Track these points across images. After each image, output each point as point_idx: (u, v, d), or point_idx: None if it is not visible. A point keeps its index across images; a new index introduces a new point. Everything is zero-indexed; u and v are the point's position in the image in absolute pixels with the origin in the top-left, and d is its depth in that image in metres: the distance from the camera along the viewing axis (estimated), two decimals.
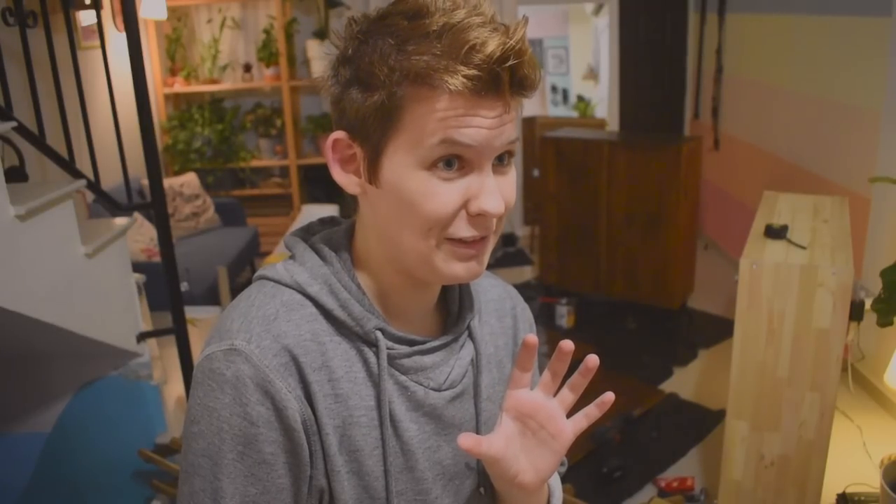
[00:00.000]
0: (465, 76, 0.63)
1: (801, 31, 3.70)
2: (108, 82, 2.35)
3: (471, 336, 0.82)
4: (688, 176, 3.98)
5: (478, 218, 0.68)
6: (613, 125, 5.44)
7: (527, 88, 0.67)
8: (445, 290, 0.82)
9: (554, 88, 7.99)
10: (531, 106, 7.53)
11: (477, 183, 0.67)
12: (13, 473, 2.40)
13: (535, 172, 4.86)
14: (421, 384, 0.76)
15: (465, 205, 0.68)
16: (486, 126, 0.65)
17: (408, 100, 0.65)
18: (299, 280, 0.73)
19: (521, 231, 5.53)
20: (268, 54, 5.10)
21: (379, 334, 0.73)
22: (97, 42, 2.39)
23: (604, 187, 4.19)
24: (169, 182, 4.42)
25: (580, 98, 7.71)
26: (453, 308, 0.82)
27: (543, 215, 4.52)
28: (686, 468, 2.79)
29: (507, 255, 5.21)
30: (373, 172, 0.69)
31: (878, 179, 2.43)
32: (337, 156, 0.72)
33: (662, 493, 2.63)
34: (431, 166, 0.66)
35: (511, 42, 0.63)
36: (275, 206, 5.45)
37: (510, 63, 0.63)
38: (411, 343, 0.75)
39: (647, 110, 5.34)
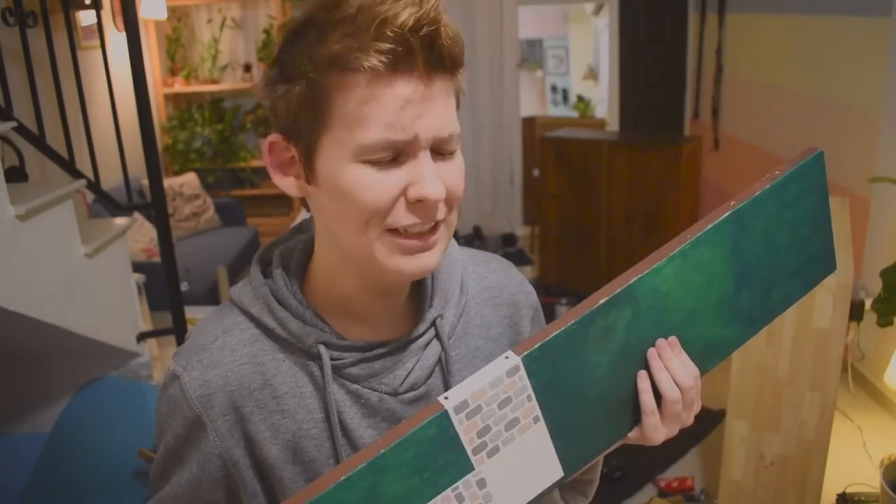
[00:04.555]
0: (377, 51, 0.60)
1: (801, 31, 3.70)
2: (108, 82, 2.35)
3: (437, 335, 0.78)
4: (688, 176, 3.98)
5: (418, 205, 0.65)
6: (613, 125, 5.44)
7: (449, 62, 0.64)
8: (418, 288, 0.79)
9: (554, 88, 7.98)
10: (531, 106, 7.53)
11: (414, 169, 0.65)
12: (13, 473, 2.39)
13: (535, 172, 4.87)
14: (374, 390, 0.74)
15: (403, 193, 0.65)
16: (408, 102, 0.63)
17: (330, 89, 0.63)
18: (244, 301, 0.75)
19: (521, 231, 5.53)
20: (268, 54, 5.09)
21: (322, 348, 0.72)
22: (97, 42, 2.40)
23: (604, 187, 4.19)
24: (169, 182, 4.42)
25: (580, 98, 7.70)
26: (423, 305, 0.78)
27: (543, 215, 4.53)
28: (686, 468, 2.78)
29: (507, 255, 5.20)
30: (309, 171, 0.68)
31: (878, 179, 2.43)
32: (276, 159, 0.70)
33: (662, 493, 2.63)
34: (365, 158, 0.64)
35: (423, 11, 0.60)
36: (275, 206, 5.45)
37: (424, 32, 0.61)
38: (362, 350, 0.74)
39: (647, 110, 5.33)
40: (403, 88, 0.62)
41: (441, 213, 0.67)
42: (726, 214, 0.69)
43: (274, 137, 0.69)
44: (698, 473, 2.74)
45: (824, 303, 2.03)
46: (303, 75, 0.64)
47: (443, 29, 0.62)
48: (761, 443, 2.19)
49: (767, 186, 0.71)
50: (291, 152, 0.69)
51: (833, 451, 2.18)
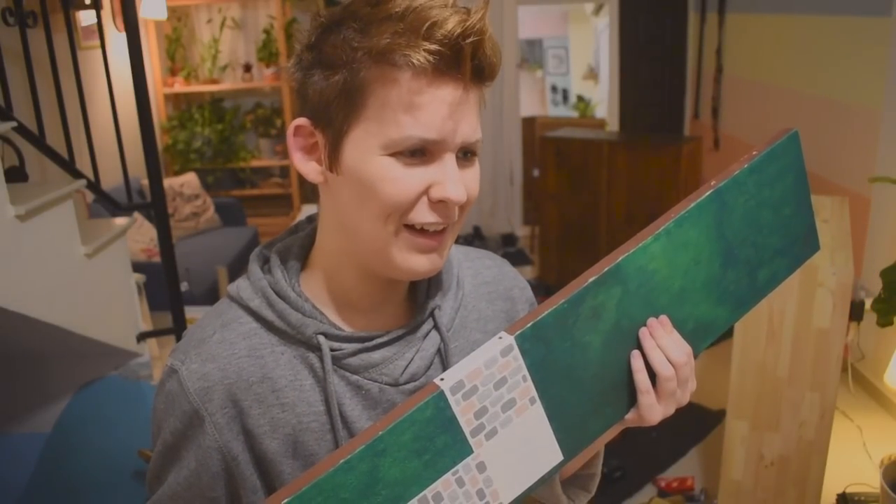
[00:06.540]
0: (426, 51, 0.62)
1: (801, 31, 3.70)
2: (108, 82, 2.35)
3: (436, 325, 0.78)
4: (688, 176, 3.98)
5: (439, 205, 0.67)
6: (613, 125, 5.44)
7: (487, 73, 0.67)
8: (416, 281, 0.80)
9: (554, 88, 7.98)
10: (531, 106, 7.52)
11: (440, 170, 0.67)
12: (13, 473, 2.39)
13: (535, 172, 4.86)
14: (375, 381, 0.74)
15: (426, 191, 0.67)
16: (447, 105, 0.65)
17: (371, 81, 0.65)
18: (243, 295, 0.75)
19: (521, 231, 5.53)
20: (268, 54, 5.10)
21: (321, 338, 0.72)
22: (97, 42, 2.40)
23: (604, 187, 4.19)
24: (169, 182, 4.42)
25: (580, 98, 7.70)
26: (421, 297, 0.79)
27: (543, 215, 4.53)
28: (686, 468, 2.79)
29: (507, 255, 5.21)
30: (334, 159, 0.69)
31: (878, 179, 2.43)
32: (300, 143, 0.71)
33: (662, 493, 2.63)
34: (395, 152, 0.66)
35: (471, 21, 0.63)
36: (275, 206, 5.45)
37: (471, 40, 0.63)
38: (361, 340, 0.74)
39: (647, 110, 5.34)
40: (445, 91, 0.65)
41: (455, 214, 0.70)
42: (708, 193, 0.71)
43: (300, 121, 0.70)
44: (698, 473, 2.74)
45: (824, 303, 2.03)
46: (344, 65, 0.65)
47: (487, 41, 0.65)
48: (761, 443, 2.19)
49: (745, 166, 0.73)
50: (316, 138, 0.70)
51: (833, 451, 2.18)
